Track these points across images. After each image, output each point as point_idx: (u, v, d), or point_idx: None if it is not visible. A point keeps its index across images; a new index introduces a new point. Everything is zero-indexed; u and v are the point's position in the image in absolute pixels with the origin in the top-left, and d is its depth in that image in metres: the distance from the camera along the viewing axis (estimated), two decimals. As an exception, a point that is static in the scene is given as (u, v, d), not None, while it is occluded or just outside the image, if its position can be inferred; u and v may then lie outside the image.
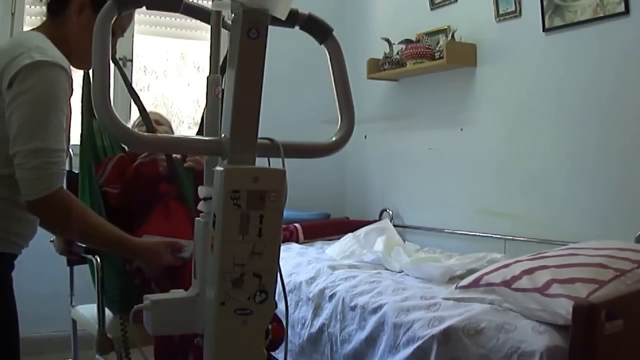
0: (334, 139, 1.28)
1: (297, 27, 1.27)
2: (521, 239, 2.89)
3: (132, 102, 1.96)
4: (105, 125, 1.07)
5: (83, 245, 1.86)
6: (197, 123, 2.17)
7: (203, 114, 2.08)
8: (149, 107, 2.43)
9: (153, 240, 1.65)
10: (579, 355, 1.61)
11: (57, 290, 2.56)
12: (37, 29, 1.57)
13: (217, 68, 1.29)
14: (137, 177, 1.98)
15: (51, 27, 1.55)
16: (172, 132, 2.44)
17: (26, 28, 3.28)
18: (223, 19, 1.29)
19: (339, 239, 3.43)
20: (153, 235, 1.77)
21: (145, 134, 1.16)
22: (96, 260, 1.84)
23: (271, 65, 1.19)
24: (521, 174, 2.97)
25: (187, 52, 3.97)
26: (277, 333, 1.80)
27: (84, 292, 2.33)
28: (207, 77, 1.29)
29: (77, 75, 1.64)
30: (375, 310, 2.21)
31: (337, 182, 4.16)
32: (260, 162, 1.15)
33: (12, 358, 1.49)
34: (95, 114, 1.09)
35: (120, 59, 3.53)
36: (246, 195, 1.05)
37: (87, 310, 2.23)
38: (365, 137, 3.93)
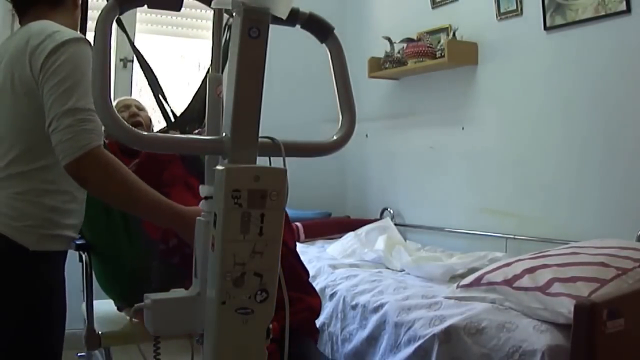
0: (335, 137, 1.27)
1: (298, 26, 1.26)
2: (522, 237, 2.88)
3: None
4: (107, 124, 1.07)
5: (78, 242, 1.83)
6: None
7: (187, 107, 2.06)
8: (145, 103, 2.43)
9: (194, 207, 1.50)
10: (581, 354, 1.61)
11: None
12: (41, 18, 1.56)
13: (218, 66, 1.29)
14: (152, 158, 1.95)
15: (54, 16, 1.55)
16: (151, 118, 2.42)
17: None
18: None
19: (340, 237, 3.43)
20: None
21: (147, 133, 1.16)
22: (86, 255, 1.82)
23: (272, 64, 1.19)
24: (522, 172, 2.97)
25: (188, 51, 3.96)
26: (315, 304, 1.85)
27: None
28: (208, 76, 1.29)
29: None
30: (376, 309, 2.22)
31: (338, 181, 4.16)
32: (261, 161, 1.15)
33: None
34: (96, 113, 1.08)
35: (121, 59, 3.54)
36: (247, 194, 1.05)
37: (98, 306, 2.24)
38: (367, 136, 3.92)
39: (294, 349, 1.63)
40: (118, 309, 1.99)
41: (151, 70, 1.84)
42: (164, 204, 1.44)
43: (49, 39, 1.41)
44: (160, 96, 1.89)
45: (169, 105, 1.93)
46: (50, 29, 1.46)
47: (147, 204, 1.43)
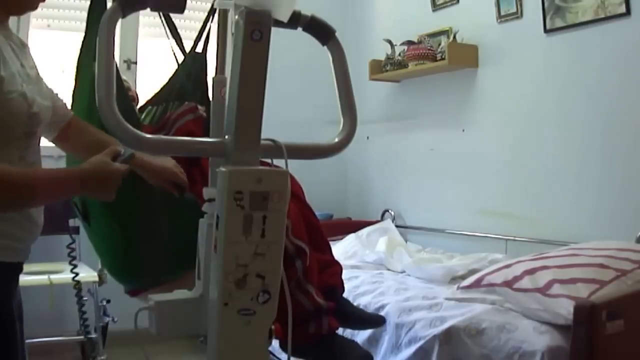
0: (336, 140, 1.28)
1: (299, 29, 1.27)
2: (522, 239, 2.89)
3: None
4: (110, 127, 1.08)
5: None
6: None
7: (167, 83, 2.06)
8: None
9: (96, 156, 1.26)
10: (580, 355, 1.62)
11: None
12: None
13: (223, 69, 1.30)
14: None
15: None
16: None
17: (31, 28, 3.29)
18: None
19: (342, 239, 3.43)
20: None
21: (150, 135, 1.16)
22: (85, 224, 1.70)
23: (274, 66, 1.20)
24: (522, 174, 2.97)
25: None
26: (338, 268, 1.95)
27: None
28: (213, 78, 1.30)
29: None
30: (377, 310, 2.22)
31: (340, 182, 4.17)
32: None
33: None
34: (100, 116, 1.09)
35: (124, 61, 3.56)
36: (249, 196, 1.06)
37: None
38: (368, 138, 3.93)
39: (344, 308, 1.81)
40: (131, 293, 1.78)
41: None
42: (62, 173, 1.25)
43: None
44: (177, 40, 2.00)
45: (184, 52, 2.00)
46: None
47: (44, 187, 1.20)
